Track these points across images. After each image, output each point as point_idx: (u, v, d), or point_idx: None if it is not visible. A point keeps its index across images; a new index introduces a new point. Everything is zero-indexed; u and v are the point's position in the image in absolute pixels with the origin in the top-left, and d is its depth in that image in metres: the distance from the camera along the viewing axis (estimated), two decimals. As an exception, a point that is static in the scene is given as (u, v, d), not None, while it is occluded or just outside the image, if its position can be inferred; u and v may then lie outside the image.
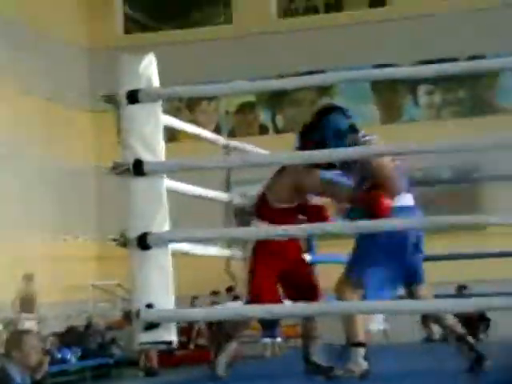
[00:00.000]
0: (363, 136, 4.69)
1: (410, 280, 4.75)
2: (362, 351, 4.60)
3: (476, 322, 9.84)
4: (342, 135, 4.62)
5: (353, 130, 4.67)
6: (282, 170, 4.68)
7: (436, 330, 8.85)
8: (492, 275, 12.45)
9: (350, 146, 4.46)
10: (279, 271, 4.75)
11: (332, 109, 4.71)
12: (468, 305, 3.32)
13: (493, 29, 15.42)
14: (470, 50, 14.84)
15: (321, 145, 4.42)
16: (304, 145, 4.59)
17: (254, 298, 4.59)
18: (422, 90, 16.36)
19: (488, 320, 9.94)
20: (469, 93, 16.27)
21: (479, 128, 13.93)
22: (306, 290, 4.86)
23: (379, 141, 4.70)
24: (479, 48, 14.89)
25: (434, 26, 15.77)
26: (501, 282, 10.76)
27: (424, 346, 9.02)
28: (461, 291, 10.17)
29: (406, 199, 4.71)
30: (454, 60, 14.43)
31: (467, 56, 14.42)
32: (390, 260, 4.58)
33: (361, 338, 4.64)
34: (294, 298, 4.81)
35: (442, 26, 15.76)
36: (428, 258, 8.28)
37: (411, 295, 4.70)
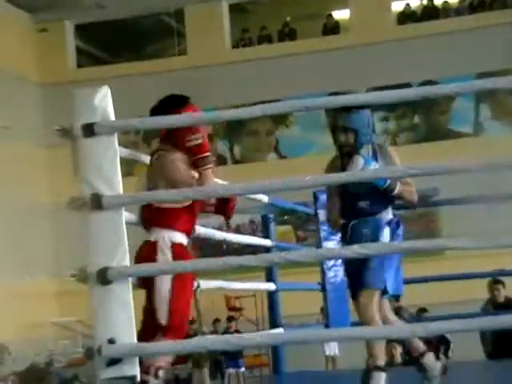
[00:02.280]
0: None
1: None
2: (383, 376, 4.59)
3: (436, 344, 9.88)
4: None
5: None
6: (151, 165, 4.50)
7: (397, 354, 8.85)
8: (451, 297, 12.57)
9: None
10: None
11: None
12: (430, 328, 3.33)
13: (444, 54, 15.66)
14: (422, 75, 15.07)
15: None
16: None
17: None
18: (376, 116, 16.53)
19: (448, 342, 9.98)
20: (423, 118, 16.48)
21: (434, 153, 14.09)
22: None
23: None
24: (431, 74, 15.11)
25: (387, 52, 15.98)
26: (459, 303, 10.87)
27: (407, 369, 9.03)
28: (421, 314, 10.21)
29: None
30: (407, 86, 14.63)
31: (420, 81, 14.62)
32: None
33: (382, 361, 4.62)
34: None
35: (394, 53, 15.97)
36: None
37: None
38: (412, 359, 4.88)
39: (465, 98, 15.72)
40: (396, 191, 4.75)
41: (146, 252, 4.24)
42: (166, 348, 3.57)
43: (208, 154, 4.42)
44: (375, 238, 4.74)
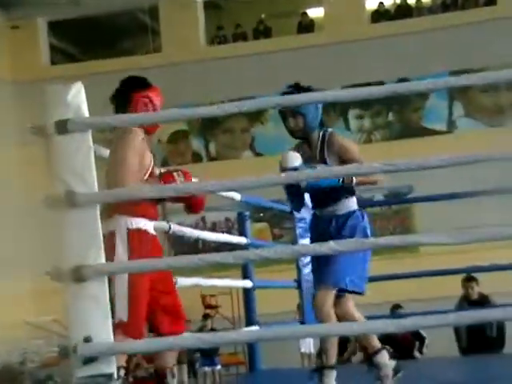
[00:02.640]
0: None
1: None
2: (334, 373, 4.61)
3: (411, 340, 9.93)
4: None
5: None
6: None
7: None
8: (425, 294, 12.64)
9: None
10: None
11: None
12: (403, 324, 3.34)
13: (418, 52, 15.75)
14: (396, 73, 15.15)
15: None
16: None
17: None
18: (351, 114, 16.58)
19: (423, 338, 10.04)
20: (397, 116, 16.56)
21: (408, 150, 14.17)
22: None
23: None
24: (405, 71, 15.19)
25: (361, 50, 16.04)
26: (434, 300, 10.94)
27: (361, 367, 9.05)
28: (395, 311, 10.27)
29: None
30: (381, 84, 14.67)
31: (394, 80, 14.69)
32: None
33: (333, 360, 4.62)
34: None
35: (369, 51, 16.03)
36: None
37: None
38: (366, 356, 4.86)
39: (438, 96, 15.82)
40: (355, 181, 4.68)
41: (107, 244, 4.02)
42: (141, 346, 3.56)
43: None
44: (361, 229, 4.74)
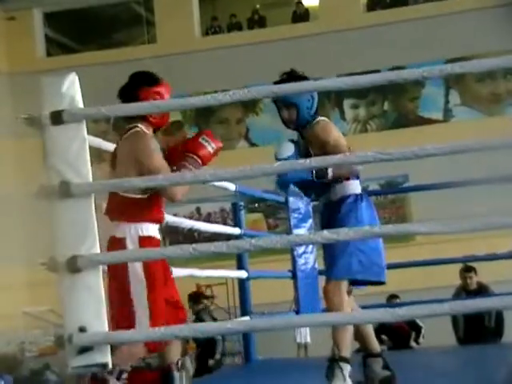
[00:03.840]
0: None
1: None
2: (348, 367, 4.44)
3: (407, 330, 9.94)
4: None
5: None
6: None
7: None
8: (422, 284, 12.65)
9: None
10: None
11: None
12: (399, 313, 3.35)
13: (413, 40, 15.73)
14: (392, 61, 15.13)
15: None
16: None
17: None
18: (347, 103, 16.57)
19: (419, 328, 10.05)
20: (393, 105, 16.54)
21: (404, 139, 14.17)
22: None
23: None
24: (401, 60, 15.17)
25: (356, 39, 16.01)
26: (430, 290, 10.94)
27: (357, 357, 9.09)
28: (392, 300, 10.27)
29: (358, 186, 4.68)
30: (377, 72, 14.65)
31: (389, 68, 14.67)
32: None
33: (348, 353, 4.46)
34: None
35: (364, 40, 16.01)
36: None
37: None
38: (364, 356, 4.71)
39: (434, 85, 15.81)
40: (330, 175, 4.52)
41: (113, 249, 4.10)
42: (136, 336, 3.56)
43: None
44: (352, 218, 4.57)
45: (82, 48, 18.40)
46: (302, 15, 17.39)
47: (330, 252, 4.55)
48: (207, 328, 3.51)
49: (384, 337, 9.40)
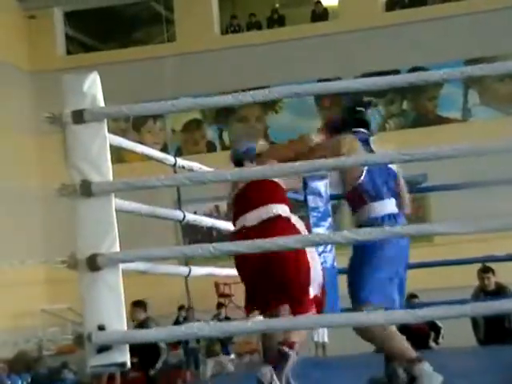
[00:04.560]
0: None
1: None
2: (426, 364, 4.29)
3: (427, 330, 9.90)
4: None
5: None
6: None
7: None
8: (441, 284, 12.60)
9: None
10: None
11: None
12: (420, 315, 3.33)
13: (432, 40, 15.67)
14: (411, 61, 15.07)
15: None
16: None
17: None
18: (365, 103, 16.52)
19: (439, 328, 9.99)
20: (412, 104, 16.49)
21: (423, 139, 14.10)
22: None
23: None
24: (420, 60, 15.12)
25: (375, 39, 15.97)
26: (449, 290, 10.89)
27: (375, 357, 9.06)
28: (411, 300, 10.22)
29: (391, 206, 4.58)
30: (396, 72, 14.64)
31: (408, 68, 14.62)
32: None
33: (410, 353, 4.32)
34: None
35: (383, 39, 15.96)
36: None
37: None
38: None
39: (453, 84, 15.73)
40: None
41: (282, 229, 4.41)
42: (155, 334, 3.56)
43: None
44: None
45: (102, 46, 18.47)
46: (321, 14, 17.37)
47: (352, 278, 4.49)
48: (228, 327, 3.50)
49: (403, 337, 9.40)
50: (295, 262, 4.40)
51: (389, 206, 4.59)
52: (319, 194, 7.28)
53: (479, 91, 16.09)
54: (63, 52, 17.96)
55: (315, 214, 7.25)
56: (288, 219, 4.54)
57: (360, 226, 4.49)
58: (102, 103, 3.49)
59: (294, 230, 4.46)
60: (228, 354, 12.56)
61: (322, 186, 7.30)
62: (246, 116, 16.76)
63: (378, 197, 4.57)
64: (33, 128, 15.85)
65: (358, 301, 4.42)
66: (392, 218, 4.53)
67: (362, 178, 4.52)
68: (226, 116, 16.72)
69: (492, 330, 8.73)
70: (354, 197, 4.55)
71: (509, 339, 8.50)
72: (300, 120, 16.19)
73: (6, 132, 15.46)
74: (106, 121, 3.48)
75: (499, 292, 8.75)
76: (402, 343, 4.41)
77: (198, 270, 5.11)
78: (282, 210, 4.58)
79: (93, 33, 18.80)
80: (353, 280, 4.48)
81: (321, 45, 16.16)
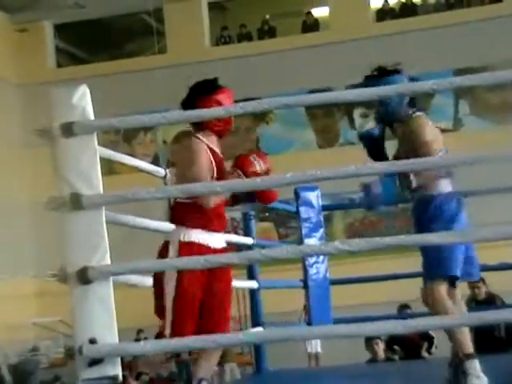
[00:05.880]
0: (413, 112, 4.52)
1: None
2: (478, 364, 4.25)
3: (419, 340, 9.89)
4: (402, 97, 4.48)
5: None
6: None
7: (380, 350, 8.85)
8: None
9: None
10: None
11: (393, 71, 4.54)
12: (412, 325, 3.33)
13: (422, 51, 15.73)
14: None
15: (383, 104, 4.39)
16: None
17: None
18: (357, 113, 16.56)
19: (431, 338, 9.99)
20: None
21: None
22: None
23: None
24: (410, 70, 15.10)
25: (366, 49, 16.01)
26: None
27: (368, 367, 9.07)
28: (403, 311, 10.21)
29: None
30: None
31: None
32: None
33: (470, 348, 4.28)
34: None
35: (374, 50, 15.99)
36: (370, 279, 8.32)
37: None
38: (455, 360, 4.45)
39: (444, 94, 15.78)
40: (414, 184, 4.32)
41: (160, 252, 4.08)
42: (147, 348, 3.55)
43: None
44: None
45: (93, 59, 18.47)
46: (311, 25, 17.42)
47: (424, 253, 4.35)
48: (222, 340, 3.49)
49: (396, 347, 9.37)
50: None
51: (449, 184, 4.49)
52: (311, 205, 7.27)
53: (470, 101, 16.16)
54: (53, 65, 17.96)
55: (307, 224, 7.24)
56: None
57: (419, 201, 4.40)
58: (91, 116, 3.48)
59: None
60: (221, 365, 12.53)
61: (313, 196, 7.30)
62: (236, 127, 16.75)
63: (447, 174, 4.47)
64: (22, 141, 15.82)
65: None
66: (451, 196, 4.44)
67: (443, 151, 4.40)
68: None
69: (482, 340, 8.73)
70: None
71: (499, 348, 8.50)
72: (291, 131, 16.22)
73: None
74: (95, 133, 3.48)
75: (490, 301, 8.75)
76: (467, 336, 4.34)
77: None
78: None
79: (83, 45, 18.81)
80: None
81: (312, 55, 16.20)
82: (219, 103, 4.17)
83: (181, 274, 3.96)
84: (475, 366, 4.26)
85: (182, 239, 4.05)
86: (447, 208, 4.36)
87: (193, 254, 3.93)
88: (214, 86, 4.28)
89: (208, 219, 4.09)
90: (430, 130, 4.51)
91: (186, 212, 4.06)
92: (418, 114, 4.55)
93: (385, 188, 4.39)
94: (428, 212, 4.37)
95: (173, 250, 4.04)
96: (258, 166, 4.18)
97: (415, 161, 3.48)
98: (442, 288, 4.31)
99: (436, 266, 4.31)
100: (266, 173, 4.18)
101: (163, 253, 4.06)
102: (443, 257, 4.26)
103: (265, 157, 4.23)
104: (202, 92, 4.26)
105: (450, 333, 4.28)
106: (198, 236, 4.06)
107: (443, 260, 4.28)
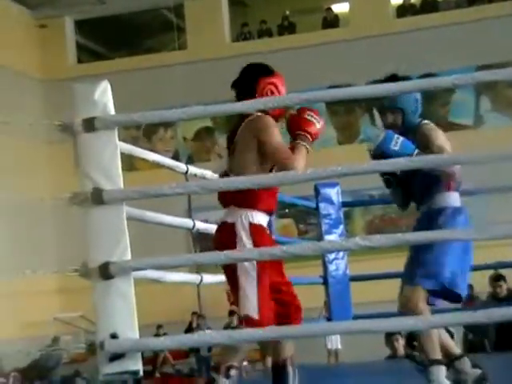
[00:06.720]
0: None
1: None
2: (443, 370, 4.23)
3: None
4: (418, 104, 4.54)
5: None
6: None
7: (400, 347, 8.83)
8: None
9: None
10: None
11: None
12: (433, 321, 3.32)
13: (443, 47, 15.65)
14: (422, 68, 15.03)
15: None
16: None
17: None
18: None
19: (451, 334, 9.96)
20: (423, 111, 16.43)
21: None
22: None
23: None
24: (431, 66, 15.09)
25: (386, 46, 15.96)
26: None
27: (389, 363, 9.04)
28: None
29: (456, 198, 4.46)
30: (407, 79, 14.58)
31: (419, 74, 14.60)
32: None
33: (439, 355, 4.26)
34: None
35: (394, 46, 15.95)
36: (389, 276, 8.28)
37: None
38: (449, 361, 4.43)
39: (465, 90, 15.70)
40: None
41: (224, 235, 3.97)
42: (167, 343, 3.56)
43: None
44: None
45: (113, 55, 18.52)
46: (332, 21, 17.37)
47: (418, 259, 4.35)
48: (241, 335, 3.49)
49: (416, 343, 9.36)
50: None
51: (459, 198, 4.49)
52: (331, 201, 7.27)
53: (491, 97, 16.05)
54: (74, 60, 18.02)
55: (327, 221, 7.24)
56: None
57: (429, 211, 4.41)
58: (112, 111, 3.50)
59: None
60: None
61: (333, 193, 7.30)
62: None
63: (457, 187, 4.47)
64: (44, 136, 15.90)
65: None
66: (459, 210, 4.45)
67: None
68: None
69: (504, 337, 8.70)
70: (434, 181, 4.35)
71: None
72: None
73: (17, 140, 15.51)
74: (116, 129, 3.49)
75: (511, 299, 8.73)
76: (436, 342, 4.35)
77: (209, 278, 5.11)
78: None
79: (104, 41, 18.86)
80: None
81: (332, 52, 16.16)
82: (276, 86, 4.20)
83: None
84: (440, 372, 4.23)
85: (252, 221, 4.00)
86: (455, 222, 4.35)
87: (264, 236, 3.98)
88: (271, 69, 4.31)
89: (271, 203, 4.09)
90: (440, 134, 4.55)
91: (253, 194, 3.97)
92: (426, 121, 4.61)
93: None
94: (437, 223, 4.36)
95: (243, 232, 3.97)
96: (318, 123, 4.08)
97: (437, 156, 3.47)
98: (423, 294, 4.32)
99: (426, 275, 4.31)
100: (323, 127, 4.10)
101: (228, 236, 3.96)
102: (438, 265, 4.27)
103: (316, 112, 4.13)
104: (261, 73, 4.27)
105: (420, 336, 4.30)
106: (264, 219, 4.06)
107: (433, 269, 4.28)
